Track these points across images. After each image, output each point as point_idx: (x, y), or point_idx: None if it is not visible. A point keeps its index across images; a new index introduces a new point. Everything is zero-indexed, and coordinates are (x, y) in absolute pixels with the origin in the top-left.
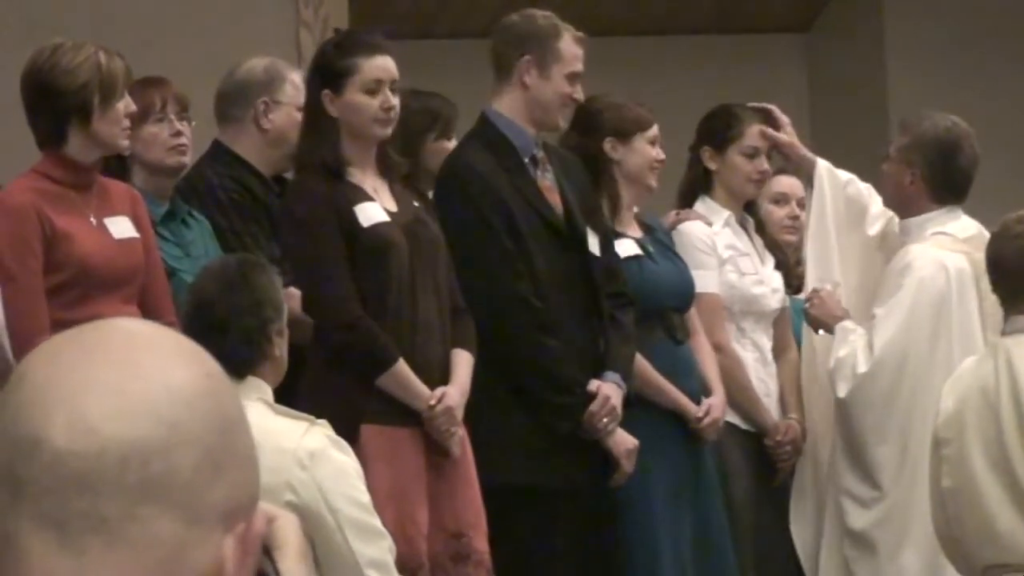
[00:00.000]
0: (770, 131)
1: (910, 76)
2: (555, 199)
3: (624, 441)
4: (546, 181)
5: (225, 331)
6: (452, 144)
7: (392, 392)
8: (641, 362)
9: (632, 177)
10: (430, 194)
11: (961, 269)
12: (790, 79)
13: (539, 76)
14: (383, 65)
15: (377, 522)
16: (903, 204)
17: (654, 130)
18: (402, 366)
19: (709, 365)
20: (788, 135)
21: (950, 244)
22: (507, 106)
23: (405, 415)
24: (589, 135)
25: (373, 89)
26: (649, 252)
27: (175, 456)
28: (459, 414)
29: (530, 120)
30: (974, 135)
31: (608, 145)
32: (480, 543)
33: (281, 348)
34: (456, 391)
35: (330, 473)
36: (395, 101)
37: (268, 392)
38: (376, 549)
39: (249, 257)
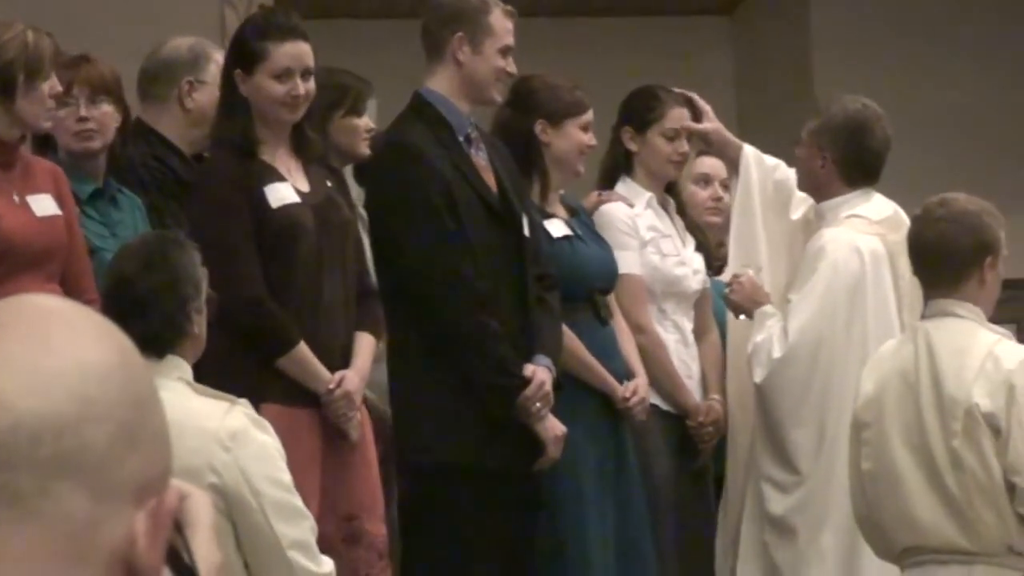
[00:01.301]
0: (692, 124)
1: (836, 60)
2: (490, 178)
3: (554, 427)
4: (480, 160)
5: (144, 309)
6: (362, 121)
7: (292, 374)
8: (572, 340)
9: (559, 161)
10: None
11: (875, 251)
12: (716, 62)
13: (472, 52)
14: (294, 52)
15: (299, 502)
16: (816, 188)
17: (587, 116)
18: (303, 349)
19: (629, 346)
20: (710, 121)
21: (864, 226)
22: (441, 84)
23: (305, 396)
24: (521, 114)
25: (282, 76)
26: (577, 233)
27: (87, 431)
28: (358, 398)
29: (465, 97)
30: (885, 117)
31: (539, 127)
32: (373, 526)
33: (200, 326)
34: (356, 375)
35: (252, 454)
36: (304, 88)
37: (188, 371)
38: (299, 530)
39: (168, 234)
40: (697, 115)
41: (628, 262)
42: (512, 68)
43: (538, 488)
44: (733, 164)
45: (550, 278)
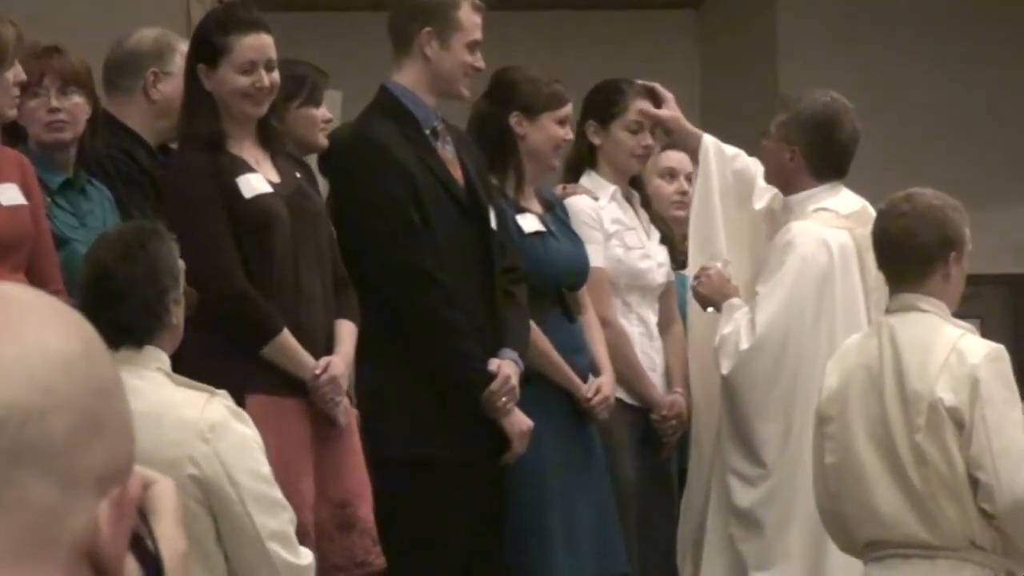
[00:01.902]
0: (651, 109)
1: (800, 54)
2: (457, 171)
3: (520, 422)
4: (447, 153)
5: (123, 300)
6: (319, 112)
7: (277, 362)
8: (538, 336)
9: (534, 154)
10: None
11: (844, 245)
12: (681, 55)
13: (440, 47)
14: (257, 45)
15: (278, 494)
16: (784, 181)
17: (565, 110)
18: (287, 336)
19: (598, 343)
20: (671, 110)
21: (832, 220)
22: (407, 78)
23: (290, 385)
24: (498, 106)
25: (246, 69)
26: (551, 229)
27: (50, 420)
28: (344, 384)
29: (432, 91)
30: (854, 110)
31: (514, 119)
32: (365, 512)
33: (178, 316)
34: (341, 361)
35: (232, 446)
36: (268, 81)
37: (166, 361)
38: (278, 522)
39: (146, 225)
40: (659, 105)
41: (592, 255)
42: (480, 63)
43: (504, 478)
44: (694, 155)
45: (518, 271)
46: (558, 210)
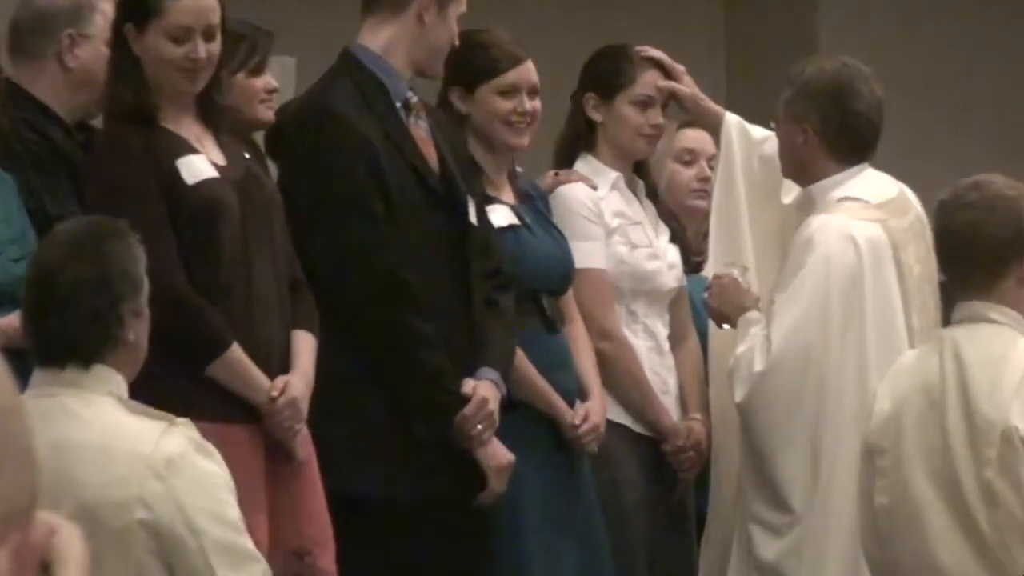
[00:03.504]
0: (669, 83)
1: (841, 8)
2: (431, 153)
3: (497, 454)
4: (420, 131)
5: (66, 307)
6: (261, 81)
7: (225, 382)
8: (516, 354)
9: (479, 135)
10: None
11: (875, 240)
12: (702, 22)
13: (438, 14)
14: (194, 7)
15: (248, 543)
16: (801, 169)
17: (507, 77)
18: (237, 351)
19: (586, 359)
20: (685, 84)
21: (860, 211)
22: (382, 42)
23: (240, 409)
24: (444, 82)
25: (179, 36)
26: (526, 222)
27: None
28: (304, 408)
29: (411, 61)
30: (872, 76)
31: (455, 95)
32: (326, 562)
33: (137, 331)
34: (300, 380)
35: (192, 484)
36: (206, 51)
37: (121, 385)
38: None
39: (105, 221)
40: (669, 79)
41: (590, 254)
42: (456, 39)
43: (482, 521)
44: (715, 137)
45: (503, 276)
46: (538, 202)
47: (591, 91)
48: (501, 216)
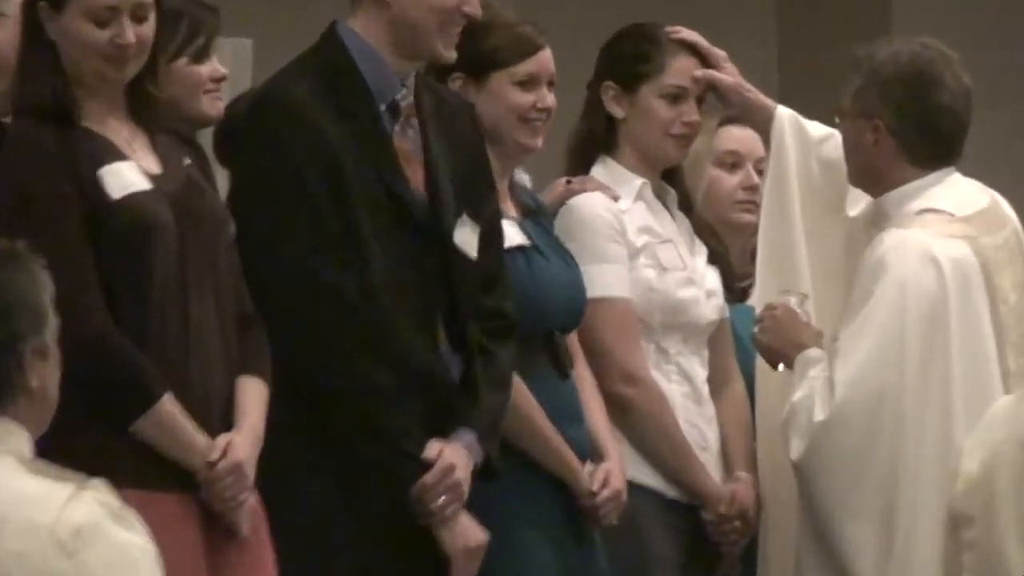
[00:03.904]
0: (706, 71)
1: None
2: (414, 170)
3: (466, 534)
4: (406, 142)
5: None
6: (206, 68)
7: (155, 441)
8: (526, 401)
9: (490, 134)
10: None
11: (961, 261)
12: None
13: None
14: None
15: None
16: (872, 175)
17: (524, 66)
18: (169, 404)
19: (596, 408)
20: (728, 74)
21: (944, 226)
22: (365, 26)
23: (173, 475)
24: (443, 69)
25: (103, 17)
26: (536, 243)
27: None
28: (251, 472)
29: (397, 48)
30: (957, 61)
31: (457, 84)
32: None
33: (43, 376)
34: (246, 439)
35: (106, 561)
36: (135, 34)
37: (23, 441)
38: None
39: (3, 245)
40: (707, 66)
41: (611, 280)
42: (473, 7)
43: None
44: (764, 136)
45: (504, 318)
46: (542, 217)
47: (611, 80)
48: (507, 234)
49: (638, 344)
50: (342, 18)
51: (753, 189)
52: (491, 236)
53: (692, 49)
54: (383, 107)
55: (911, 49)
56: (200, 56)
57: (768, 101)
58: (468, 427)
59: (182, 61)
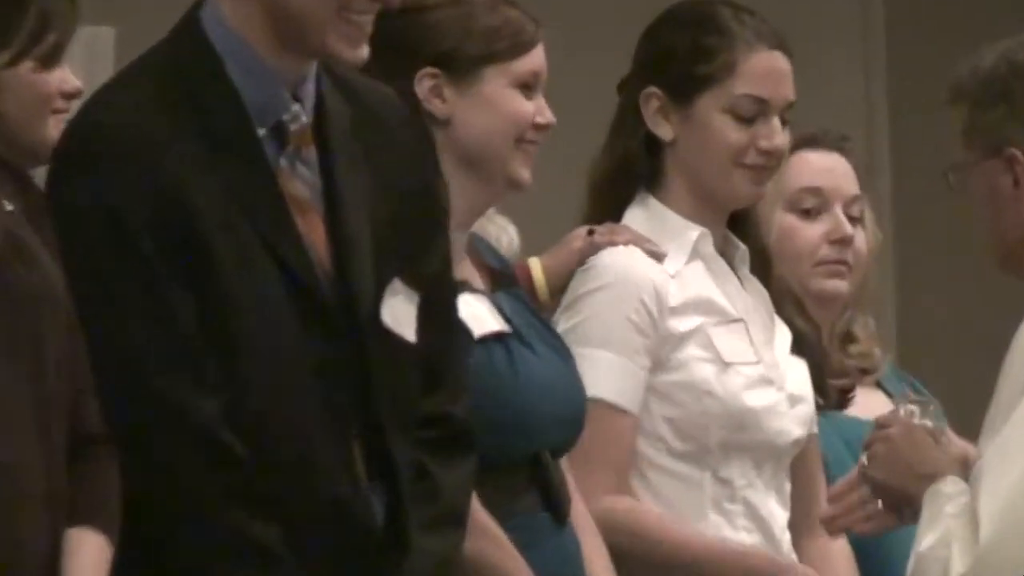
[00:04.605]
0: None
1: None
2: (313, 222)
3: None
4: (296, 181)
5: None
6: (55, 76)
7: None
8: (505, 560)
9: (470, 153)
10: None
11: None
12: None
13: None
14: None
15: None
16: (1009, 230)
17: (530, 60)
18: None
19: (596, 559)
20: None
21: None
22: (235, 10)
23: None
24: (391, 60)
25: None
26: (517, 327)
27: None
28: None
29: (278, 42)
30: None
31: (426, 83)
32: None
33: None
34: None
35: None
36: None
37: None
38: None
39: None
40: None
41: (610, 376)
42: None
43: None
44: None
45: (454, 424)
46: (516, 287)
47: (655, 85)
48: (480, 317)
49: (627, 476)
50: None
51: (844, 243)
52: (436, 306)
53: (775, 39)
54: (263, 131)
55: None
56: (49, 60)
57: None
58: None
59: (28, 67)
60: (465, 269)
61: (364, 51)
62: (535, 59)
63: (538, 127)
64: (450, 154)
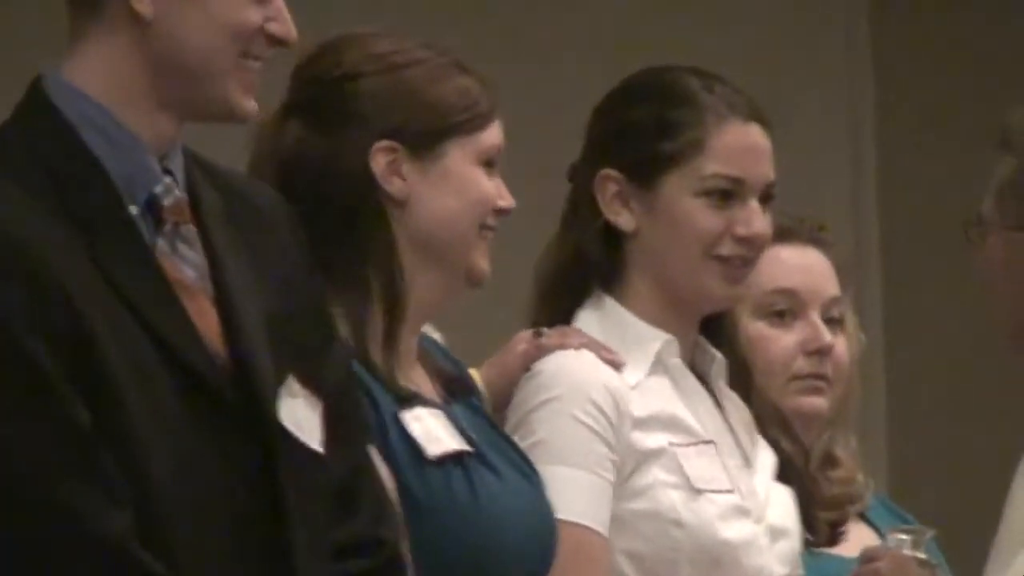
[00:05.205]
0: None
1: None
2: (200, 307)
3: None
4: (179, 262)
5: None
6: None
7: None
8: None
9: (430, 244)
10: None
11: None
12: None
13: None
14: None
15: None
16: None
17: (492, 134)
18: None
19: None
20: None
21: None
22: (95, 70)
23: None
24: (330, 131)
25: None
26: (478, 446)
27: None
28: None
29: (157, 103)
30: None
31: (381, 160)
32: None
33: None
34: None
35: None
36: None
37: None
38: None
39: None
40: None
41: (578, 497)
42: (283, 28)
43: None
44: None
45: (377, 552)
46: (474, 397)
47: (612, 167)
48: (435, 434)
49: None
50: (54, 65)
51: (822, 354)
52: (345, 421)
53: (750, 110)
54: (135, 209)
55: None
56: None
57: None
58: None
59: None
60: (416, 376)
61: (254, 103)
62: (496, 132)
63: (499, 212)
64: (407, 241)
